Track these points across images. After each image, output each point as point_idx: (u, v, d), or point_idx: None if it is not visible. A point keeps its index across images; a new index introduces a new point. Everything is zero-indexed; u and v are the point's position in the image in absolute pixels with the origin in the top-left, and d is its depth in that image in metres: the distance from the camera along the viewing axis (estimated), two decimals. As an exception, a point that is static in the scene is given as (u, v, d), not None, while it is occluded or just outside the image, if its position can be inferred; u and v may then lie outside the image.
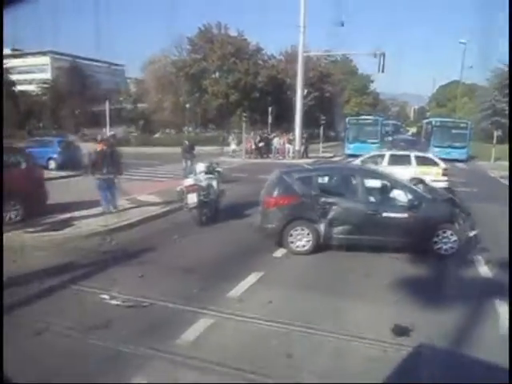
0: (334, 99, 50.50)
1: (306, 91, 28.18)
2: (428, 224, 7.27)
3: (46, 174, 12.54)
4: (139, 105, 54.22)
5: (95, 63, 74.99)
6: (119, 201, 10.49)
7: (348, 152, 29.65)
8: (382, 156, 14.98)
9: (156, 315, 4.96)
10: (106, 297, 5.28)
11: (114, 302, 5.18)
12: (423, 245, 7.29)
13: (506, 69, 43.07)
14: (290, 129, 42.54)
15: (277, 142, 26.77)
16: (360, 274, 6.44)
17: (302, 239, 7.30)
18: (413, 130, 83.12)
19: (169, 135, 47.26)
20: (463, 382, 3.65)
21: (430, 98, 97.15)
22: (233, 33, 44.36)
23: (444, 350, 4.16)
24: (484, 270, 6.72)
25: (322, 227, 7.24)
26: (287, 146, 26.22)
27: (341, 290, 5.89)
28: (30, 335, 4.38)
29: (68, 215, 9.39)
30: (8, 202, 8.59)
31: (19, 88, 56.80)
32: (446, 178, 13.80)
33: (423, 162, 14.61)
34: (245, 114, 26.73)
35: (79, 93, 46.34)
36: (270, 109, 35.23)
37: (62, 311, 4.99)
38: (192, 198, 8.94)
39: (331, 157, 30.58)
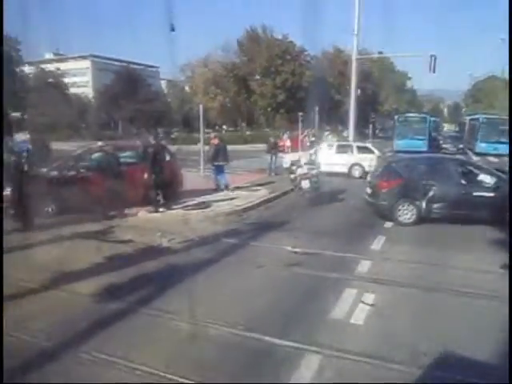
0: (374, 97, 51.86)
1: (359, 91, 29.92)
2: (506, 201, 9.11)
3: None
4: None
5: (132, 66, 78.77)
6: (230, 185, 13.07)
7: (397, 148, 31.22)
8: (332, 145, 18.47)
9: (327, 260, 7.10)
10: (289, 248, 7.46)
11: (296, 249, 7.37)
12: (503, 217, 9.13)
13: None
14: (333, 126, 44.26)
15: (330, 139, 28.62)
16: (457, 237, 8.41)
17: (407, 213, 9.32)
18: (449, 126, 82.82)
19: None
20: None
21: (466, 93, 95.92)
22: (277, 35, 46.41)
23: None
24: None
25: (423, 204, 9.24)
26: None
27: (444, 245, 7.86)
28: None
29: (201, 199, 11.70)
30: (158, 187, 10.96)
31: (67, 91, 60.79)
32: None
33: (362, 150, 17.82)
34: (301, 114, 28.66)
35: (131, 94, 49.35)
36: (316, 108, 37.12)
37: (266, 255, 7.19)
38: (306, 184, 11.14)
39: (381, 153, 32.21)
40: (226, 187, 13.05)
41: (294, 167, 12.23)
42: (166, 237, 8.22)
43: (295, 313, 5.04)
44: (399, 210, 9.34)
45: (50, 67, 65.22)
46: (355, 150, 17.98)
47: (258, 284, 6.07)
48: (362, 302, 5.30)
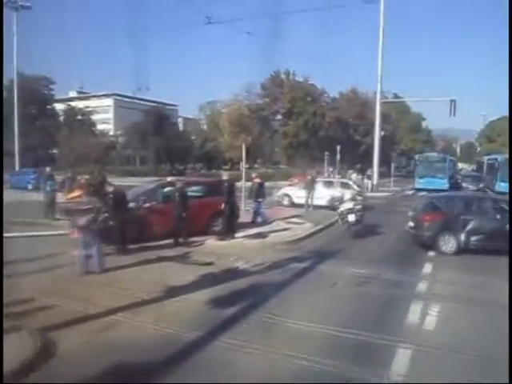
0: (391, 137, 53.59)
1: (383, 133, 31.60)
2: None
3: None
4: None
5: (151, 103, 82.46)
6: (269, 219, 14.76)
7: (418, 186, 32.53)
8: (317, 182, 20.13)
9: (388, 282, 8.28)
10: (353, 270, 8.70)
11: (360, 271, 8.59)
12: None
13: None
14: (353, 164, 45.73)
15: (355, 177, 30.06)
16: (493, 266, 9.50)
17: (449, 244, 10.52)
18: (462, 165, 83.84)
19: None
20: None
21: (480, 133, 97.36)
22: (299, 78, 48.98)
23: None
24: None
25: (462, 236, 10.44)
26: (366, 180, 29.47)
27: (483, 272, 8.97)
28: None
29: (255, 230, 13.03)
30: (215, 219, 12.35)
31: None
32: (360, 197, 17.43)
33: (343, 186, 20.06)
34: (327, 153, 30.25)
35: (159, 132, 51.86)
36: (338, 147, 38.86)
37: (334, 277, 8.42)
38: (352, 217, 12.43)
39: (402, 190, 33.51)
40: (265, 221, 14.41)
41: (336, 202, 13.59)
42: (241, 261, 9.51)
43: (378, 320, 6.24)
44: (441, 241, 10.54)
45: (79, 104, 68.99)
46: (337, 185, 20.48)
47: (338, 298, 7.31)
48: (428, 314, 6.48)
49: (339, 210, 13.02)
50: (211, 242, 11.46)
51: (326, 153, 30.31)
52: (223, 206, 11.74)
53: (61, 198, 14.21)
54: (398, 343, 5.40)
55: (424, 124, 76.80)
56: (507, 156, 34.55)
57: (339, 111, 49.00)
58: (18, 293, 6.74)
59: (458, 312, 6.70)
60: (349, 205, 12.79)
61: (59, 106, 65.99)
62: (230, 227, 12.03)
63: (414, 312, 6.53)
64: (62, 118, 65.09)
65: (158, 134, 50.88)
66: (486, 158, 42.21)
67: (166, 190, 12.12)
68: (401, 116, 66.00)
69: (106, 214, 9.03)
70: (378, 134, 29.21)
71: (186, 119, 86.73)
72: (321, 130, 46.37)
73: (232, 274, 8.60)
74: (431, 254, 10.57)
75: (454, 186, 32.55)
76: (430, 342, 5.49)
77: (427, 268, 9.19)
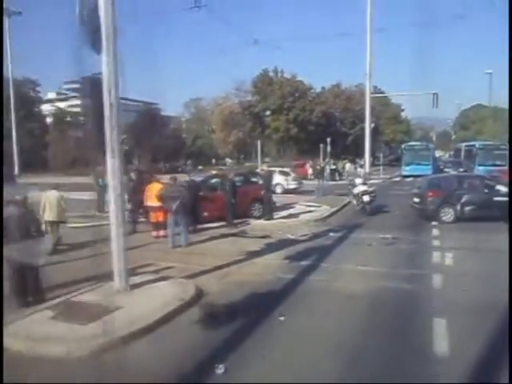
0: (376, 129, 56.60)
1: (373, 125, 34.38)
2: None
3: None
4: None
5: (134, 103, 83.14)
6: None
7: (404, 173, 35.53)
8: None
9: (409, 241, 10.86)
10: (381, 235, 11.28)
11: (386, 235, 11.17)
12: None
13: None
14: (341, 154, 48.41)
15: (349, 166, 32.84)
16: (484, 228, 12.15)
17: (448, 215, 13.20)
18: (438, 152, 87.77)
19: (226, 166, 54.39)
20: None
21: (454, 121, 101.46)
22: (287, 75, 51.45)
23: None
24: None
25: (458, 208, 13.14)
26: (358, 169, 32.22)
27: (478, 232, 11.59)
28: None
29: (287, 213, 15.51)
30: (253, 204, 14.72)
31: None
32: (296, 182, 23.87)
33: (283, 174, 24.02)
34: (322, 145, 32.86)
35: (153, 132, 53.64)
36: (328, 139, 41.57)
37: (368, 240, 10.95)
38: (366, 198, 15.04)
39: (390, 177, 36.45)
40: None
41: (350, 186, 16.20)
42: (288, 234, 11.97)
43: (412, 263, 8.83)
44: (442, 213, 13.23)
45: (60, 106, 69.43)
46: (278, 173, 23.18)
47: (377, 252, 9.90)
48: (446, 257, 9.10)
49: (355, 192, 15.59)
50: (256, 222, 13.87)
51: (322, 145, 32.89)
52: (263, 192, 14.15)
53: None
54: (432, 273, 7.97)
55: (403, 114, 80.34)
56: (484, 142, 37.98)
57: (326, 105, 51.72)
58: (136, 260, 8.86)
59: (466, 256, 9.34)
60: (363, 187, 15.39)
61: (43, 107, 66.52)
62: (269, 210, 14.45)
63: (436, 257, 9.15)
64: (49, 120, 65.52)
65: (152, 133, 52.77)
66: (464, 144, 45.67)
67: (213, 180, 14.46)
68: (383, 108, 69.26)
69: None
70: (368, 126, 31.98)
71: (171, 118, 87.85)
72: (310, 124, 48.99)
73: (287, 242, 11.06)
74: (434, 223, 13.21)
75: (437, 171, 35.64)
76: (451, 271, 8.11)
77: (435, 232, 11.87)
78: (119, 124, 6.82)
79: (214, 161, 57.03)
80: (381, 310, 6.37)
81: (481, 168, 35.03)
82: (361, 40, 29.91)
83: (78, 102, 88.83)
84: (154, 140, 52.29)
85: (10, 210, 6.59)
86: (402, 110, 78.66)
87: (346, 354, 4.94)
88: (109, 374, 4.62)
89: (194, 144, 63.96)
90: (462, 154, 43.70)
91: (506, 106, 57.50)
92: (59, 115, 66.62)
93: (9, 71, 43.13)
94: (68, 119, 67.65)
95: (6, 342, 5.24)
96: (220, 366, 4.61)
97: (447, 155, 75.98)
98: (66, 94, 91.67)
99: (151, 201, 11.82)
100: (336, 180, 32.72)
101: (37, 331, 5.53)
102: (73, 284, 7.37)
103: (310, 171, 34.51)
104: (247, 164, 49.52)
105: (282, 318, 5.95)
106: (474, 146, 37.70)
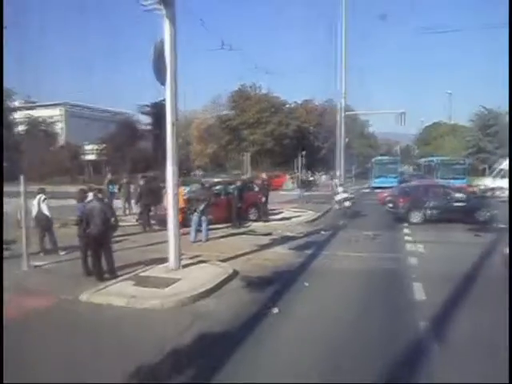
0: (346, 143, 59.99)
1: (347, 139, 37.29)
2: (471, 209, 15.80)
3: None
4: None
5: (104, 113, 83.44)
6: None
7: (374, 185, 38.63)
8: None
9: (387, 237, 13.32)
10: (364, 232, 13.69)
11: (368, 233, 13.59)
12: (470, 217, 15.72)
13: (486, 112, 53.98)
14: (312, 168, 51.01)
15: (325, 178, 35.55)
16: (446, 227, 14.84)
17: (417, 217, 15.81)
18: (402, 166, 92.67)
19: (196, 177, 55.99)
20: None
21: (418, 136, 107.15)
22: (263, 90, 54.27)
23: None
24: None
25: (424, 211, 15.78)
26: (335, 180, 34.91)
27: (440, 230, 14.26)
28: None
29: (279, 216, 17.76)
30: (251, 208, 16.88)
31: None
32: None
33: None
34: (302, 154, 35.36)
35: (133, 143, 54.84)
36: (303, 152, 44.35)
37: (354, 237, 13.34)
38: (347, 203, 17.54)
39: (360, 189, 39.44)
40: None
41: (333, 193, 18.67)
42: (287, 232, 14.20)
43: (391, 249, 11.25)
44: (411, 215, 15.83)
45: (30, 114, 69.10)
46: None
47: (362, 243, 12.29)
48: (418, 246, 11.58)
49: (337, 199, 18.07)
50: (255, 223, 16.01)
51: (296, 158, 35.39)
52: (260, 198, 16.36)
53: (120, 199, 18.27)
54: (408, 256, 10.40)
55: (370, 129, 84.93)
56: (441, 158, 41.75)
57: (300, 120, 54.74)
58: (166, 251, 10.76)
59: (432, 246, 11.85)
60: (345, 194, 17.90)
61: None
62: (266, 213, 16.67)
63: (410, 247, 11.63)
64: (21, 129, 64.80)
65: (132, 144, 53.97)
66: (423, 160, 49.75)
67: (219, 187, 16.56)
68: (351, 124, 73.21)
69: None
70: (342, 141, 34.78)
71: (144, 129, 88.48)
72: (285, 138, 51.78)
73: (288, 238, 13.28)
74: (405, 224, 15.78)
75: (403, 183, 38.97)
76: (422, 255, 10.58)
77: (406, 230, 14.40)
78: (177, 138, 8.92)
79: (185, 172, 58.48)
80: (374, 279, 8.69)
81: (441, 181, 38.65)
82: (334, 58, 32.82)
83: (48, 110, 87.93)
84: (133, 151, 53.53)
85: (93, 204, 8.53)
86: (369, 126, 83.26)
87: (353, 303, 7.21)
88: (188, 320, 6.55)
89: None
90: (423, 168, 47.65)
91: (465, 123, 62.55)
92: (32, 123, 66.53)
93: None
94: (43, 128, 67.99)
95: (108, 300, 7.18)
96: (275, 308, 6.74)
97: (411, 168, 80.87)
98: (34, 103, 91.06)
99: (170, 204, 13.82)
100: (313, 191, 35.40)
101: (129, 292, 7.48)
102: (130, 266, 9.29)
103: (290, 182, 37.23)
104: (223, 175, 51.84)
105: (306, 284, 8.15)
106: (432, 161, 41.35)
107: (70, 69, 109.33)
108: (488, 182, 29.56)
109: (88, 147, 62.59)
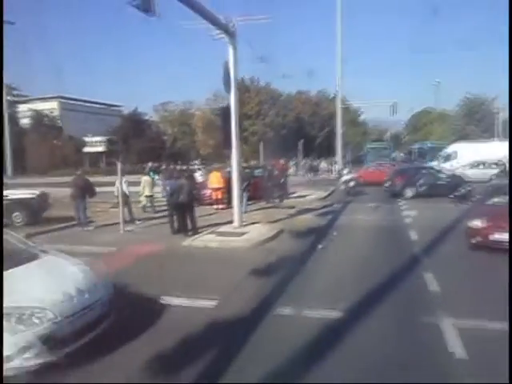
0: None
1: (344, 129, 40.81)
2: (453, 185, 19.36)
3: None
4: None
5: (97, 105, 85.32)
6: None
7: (369, 169, 42.26)
8: None
9: (388, 207, 16.88)
10: (369, 204, 17.25)
11: (372, 204, 17.16)
12: (453, 192, 19.21)
13: (473, 98, 58.07)
14: (309, 155, 54.39)
15: (323, 164, 39.05)
16: (433, 200, 18.42)
17: (409, 193, 19.41)
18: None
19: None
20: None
21: (407, 123, 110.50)
22: (262, 83, 57.40)
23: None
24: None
25: (416, 187, 19.37)
26: (334, 166, 38.56)
27: (429, 202, 17.83)
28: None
29: (295, 195, 21.23)
30: (272, 189, 20.29)
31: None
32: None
33: None
34: (301, 142, 38.82)
35: (139, 135, 57.83)
36: (301, 141, 47.85)
37: (363, 206, 16.88)
38: (352, 183, 21.07)
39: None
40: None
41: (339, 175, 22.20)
42: (306, 205, 17.67)
43: (392, 213, 14.83)
44: (405, 191, 19.42)
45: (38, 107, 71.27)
46: None
47: (369, 211, 15.82)
48: (412, 213, 15.13)
49: (343, 180, 21.60)
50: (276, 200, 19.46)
51: (298, 146, 38.92)
52: (281, 179, 19.82)
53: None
54: (405, 218, 13.96)
55: (362, 117, 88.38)
56: (432, 143, 45.44)
57: (295, 111, 58.07)
58: (219, 219, 14.13)
59: (422, 212, 15.40)
60: (349, 176, 21.45)
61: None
62: (286, 192, 20.18)
63: (406, 213, 15.19)
64: (26, 122, 66.72)
65: (138, 136, 56.95)
66: (416, 145, 53.48)
67: (258, 171, 19.99)
68: (344, 112, 76.61)
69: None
70: (339, 130, 38.41)
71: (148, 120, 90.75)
72: (283, 128, 55.10)
73: (309, 209, 16.72)
74: (399, 199, 19.35)
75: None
76: (415, 217, 14.16)
77: (401, 203, 18.01)
78: (236, 132, 12.30)
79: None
80: (381, 230, 12.29)
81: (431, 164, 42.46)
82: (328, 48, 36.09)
83: (45, 104, 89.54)
84: (139, 143, 56.48)
85: (181, 181, 11.93)
86: (360, 115, 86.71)
87: (369, 241, 10.78)
88: (265, 252, 9.93)
89: (174, 146, 68.42)
90: (413, 154, 51.35)
91: (453, 109, 66.40)
92: (36, 117, 68.63)
93: None
94: (46, 122, 70.23)
95: (205, 243, 10.61)
96: (319, 245, 10.24)
97: (401, 154, 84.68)
98: (27, 96, 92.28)
99: (213, 184, 17.28)
100: (315, 176, 38.86)
101: (217, 239, 10.90)
102: (202, 228, 12.68)
103: (294, 168, 40.67)
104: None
105: (335, 233, 11.68)
106: (423, 147, 45.10)
107: (60, 62, 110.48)
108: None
109: (93, 139, 65.37)
